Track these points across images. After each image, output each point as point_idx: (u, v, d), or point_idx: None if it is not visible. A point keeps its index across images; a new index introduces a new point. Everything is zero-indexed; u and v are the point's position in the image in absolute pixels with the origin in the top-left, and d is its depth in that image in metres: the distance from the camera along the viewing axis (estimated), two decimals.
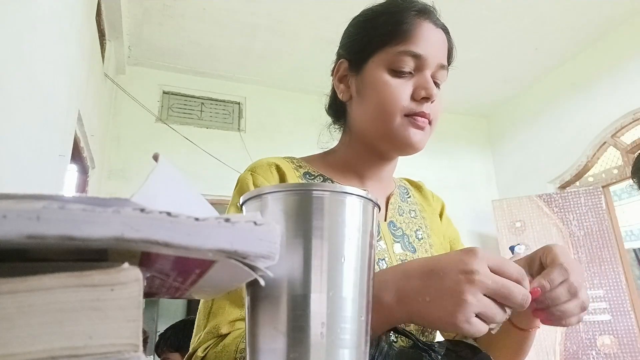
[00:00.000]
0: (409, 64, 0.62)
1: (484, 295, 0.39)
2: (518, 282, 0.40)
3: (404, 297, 0.43)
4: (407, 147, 0.63)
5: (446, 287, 0.40)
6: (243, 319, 0.55)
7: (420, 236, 0.71)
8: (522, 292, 0.40)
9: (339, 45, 0.73)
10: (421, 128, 0.62)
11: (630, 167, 3.16)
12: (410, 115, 0.62)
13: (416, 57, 0.61)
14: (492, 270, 0.40)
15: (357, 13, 0.71)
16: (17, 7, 1.31)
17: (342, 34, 0.72)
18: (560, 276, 0.45)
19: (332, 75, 0.73)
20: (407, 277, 0.43)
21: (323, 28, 3.20)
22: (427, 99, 0.61)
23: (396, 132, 0.62)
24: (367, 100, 0.64)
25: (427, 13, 0.64)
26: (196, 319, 0.59)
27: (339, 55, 0.71)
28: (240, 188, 0.64)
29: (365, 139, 0.68)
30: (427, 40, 0.62)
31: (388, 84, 0.62)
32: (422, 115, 0.62)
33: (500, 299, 0.40)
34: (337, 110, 0.73)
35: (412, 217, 0.73)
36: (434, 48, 0.63)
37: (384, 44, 0.63)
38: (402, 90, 0.61)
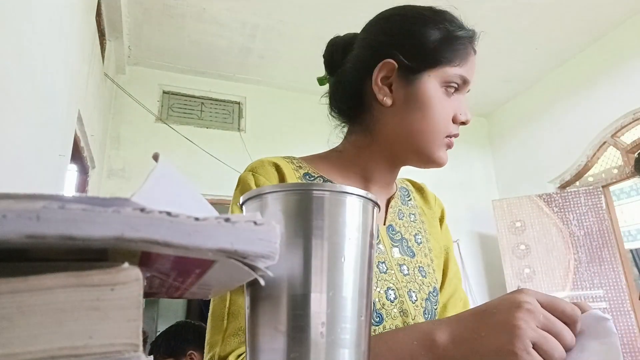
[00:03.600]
0: (456, 86, 0.63)
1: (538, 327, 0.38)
2: (571, 321, 0.39)
3: (458, 336, 0.42)
4: (435, 165, 0.65)
5: (499, 320, 0.39)
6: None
7: (419, 240, 0.71)
8: (571, 336, 0.39)
9: (378, 38, 0.66)
10: (451, 148, 0.65)
11: (632, 167, 3.16)
12: (448, 136, 0.64)
13: (464, 81, 0.63)
14: (543, 307, 0.39)
15: (394, 10, 0.66)
16: (17, 7, 1.31)
17: (384, 27, 0.66)
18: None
19: (358, 68, 0.67)
20: (459, 319, 0.43)
21: (323, 28, 3.20)
22: (464, 123, 0.64)
23: (433, 151, 0.63)
24: (415, 114, 0.62)
25: (475, 39, 0.66)
26: (207, 336, 0.56)
27: (383, 53, 0.64)
28: (242, 188, 0.63)
29: (392, 148, 0.66)
30: (472, 68, 0.65)
31: (442, 104, 0.62)
32: (456, 136, 0.65)
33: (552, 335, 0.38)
34: (356, 107, 0.68)
35: (411, 221, 0.72)
36: (474, 74, 0.66)
37: (445, 62, 0.62)
38: (450, 112, 0.63)
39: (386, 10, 0.69)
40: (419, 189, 0.81)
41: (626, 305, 3.12)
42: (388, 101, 0.64)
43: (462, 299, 0.74)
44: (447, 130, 0.63)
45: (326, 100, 0.74)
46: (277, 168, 0.64)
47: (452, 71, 0.62)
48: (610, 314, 3.13)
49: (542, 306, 0.39)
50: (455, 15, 0.67)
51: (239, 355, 0.52)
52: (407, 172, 0.81)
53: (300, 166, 0.68)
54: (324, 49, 0.73)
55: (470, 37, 0.65)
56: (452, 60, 0.62)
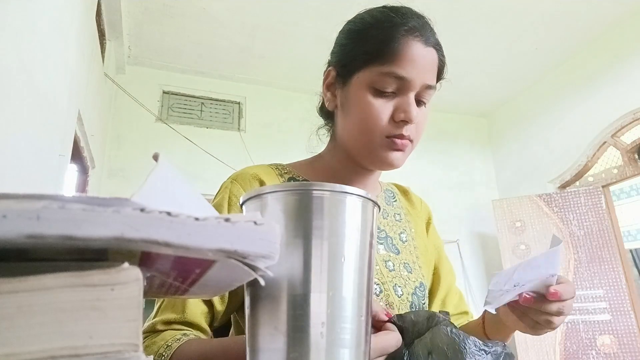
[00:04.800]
0: (392, 85, 0.61)
1: None
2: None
3: None
4: (385, 166, 0.65)
5: None
6: (179, 322, 0.59)
7: (404, 238, 0.74)
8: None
9: (331, 49, 0.72)
10: (400, 150, 0.63)
11: (630, 166, 3.15)
12: (390, 137, 0.62)
13: (400, 79, 0.60)
14: None
15: (352, 17, 0.69)
16: (17, 7, 1.31)
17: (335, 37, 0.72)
18: (569, 294, 0.49)
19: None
20: None
21: (323, 28, 3.20)
22: (405, 122, 0.61)
23: (375, 152, 0.63)
24: (350, 116, 0.65)
25: (418, 30, 0.62)
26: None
27: (329, 62, 0.71)
28: (220, 196, 0.67)
29: (347, 150, 0.69)
30: (413, 62, 0.60)
31: (370, 104, 0.61)
32: (401, 137, 0.62)
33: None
34: (326, 114, 0.74)
35: (396, 221, 0.75)
36: (420, 69, 0.61)
37: (370, 62, 0.61)
38: (382, 111, 0.61)
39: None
40: (404, 191, 0.84)
41: (626, 305, 3.12)
42: (331, 105, 0.69)
43: (457, 293, 0.79)
44: (383, 130, 0.61)
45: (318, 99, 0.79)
46: (260, 181, 0.67)
47: (381, 69, 0.60)
48: (610, 314, 3.13)
49: None
50: (408, 12, 0.64)
51: (145, 337, 0.58)
52: (405, 171, 0.82)
53: (286, 171, 0.72)
54: None
55: (410, 31, 0.61)
56: (379, 59, 0.60)
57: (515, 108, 4.31)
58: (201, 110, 3.73)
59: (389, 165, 0.64)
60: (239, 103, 3.87)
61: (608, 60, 3.39)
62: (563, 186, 3.73)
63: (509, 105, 4.38)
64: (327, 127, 0.75)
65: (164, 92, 3.67)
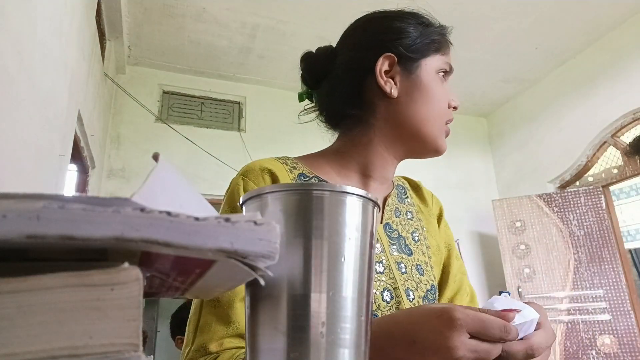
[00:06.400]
0: (446, 73, 0.68)
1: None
2: (501, 340, 0.40)
3: None
4: (437, 153, 0.68)
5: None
6: (231, 336, 0.54)
7: (416, 238, 0.71)
8: (498, 351, 0.40)
9: (372, 38, 0.68)
10: (448, 135, 0.68)
11: (628, 148, 3.15)
12: (446, 123, 0.67)
13: (451, 69, 0.68)
14: (473, 335, 0.39)
15: (390, 10, 0.69)
16: (17, 7, 1.31)
17: (375, 27, 0.69)
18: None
19: (354, 69, 0.68)
20: (391, 343, 0.43)
21: (323, 28, 3.20)
22: (455, 108, 0.68)
23: (437, 138, 0.66)
24: (419, 101, 0.65)
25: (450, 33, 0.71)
26: (186, 330, 0.58)
27: (381, 49, 0.66)
28: (232, 193, 0.63)
29: (397, 139, 0.67)
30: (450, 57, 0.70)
31: (441, 89, 0.66)
32: (451, 122, 0.68)
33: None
34: (356, 106, 0.68)
35: (408, 219, 0.72)
36: None
37: (436, 50, 0.67)
38: (446, 97, 0.67)
39: (364, 16, 0.72)
40: (415, 186, 0.81)
41: (626, 305, 3.13)
42: (395, 92, 0.66)
43: (468, 292, 0.75)
44: (446, 115, 0.67)
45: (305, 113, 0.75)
46: (270, 173, 0.64)
47: (442, 58, 0.67)
48: (610, 314, 3.13)
49: (472, 335, 0.39)
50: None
51: None
52: (404, 172, 0.81)
53: (294, 166, 0.68)
54: (302, 66, 0.74)
55: (446, 29, 0.70)
56: (440, 48, 0.67)
57: (515, 108, 4.31)
58: (201, 110, 3.74)
59: (441, 152, 0.68)
60: (239, 103, 3.87)
61: (608, 60, 3.39)
62: (563, 186, 3.73)
63: (509, 105, 4.39)
64: (349, 120, 0.70)
65: (164, 92, 3.68)
